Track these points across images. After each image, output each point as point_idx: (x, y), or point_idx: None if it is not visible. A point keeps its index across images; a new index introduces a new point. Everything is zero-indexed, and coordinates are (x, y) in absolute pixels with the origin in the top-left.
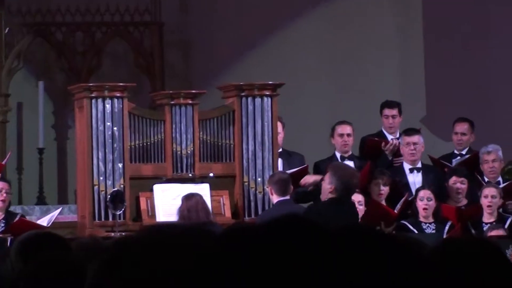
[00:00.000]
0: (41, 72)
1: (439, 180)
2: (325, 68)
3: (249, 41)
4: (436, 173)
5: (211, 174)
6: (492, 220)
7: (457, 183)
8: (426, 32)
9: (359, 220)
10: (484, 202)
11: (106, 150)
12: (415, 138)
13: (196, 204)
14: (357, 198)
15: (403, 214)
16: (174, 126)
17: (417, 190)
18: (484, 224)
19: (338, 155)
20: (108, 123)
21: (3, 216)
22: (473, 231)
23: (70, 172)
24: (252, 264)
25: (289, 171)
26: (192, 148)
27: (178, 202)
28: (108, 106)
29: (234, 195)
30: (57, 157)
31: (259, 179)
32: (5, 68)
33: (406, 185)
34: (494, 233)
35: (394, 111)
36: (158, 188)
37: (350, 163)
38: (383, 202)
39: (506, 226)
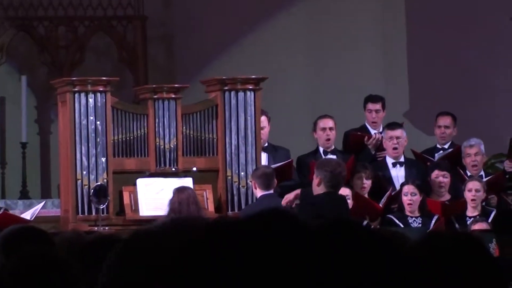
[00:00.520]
0: (23, 67)
1: (422, 175)
2: (308, 62)
3: (232, 35)
4: (418, 167)
5: (194, 168)
6: (476, 214)
7: (440, 177)
8: (409, 26)
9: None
10: (468, 196)
11: (89, 145)
12: (398, 132)
13: (188, 197)
14: (344, 192)
15: (387, 209)
16: (157, 120)
17: (402, 185)
18: (468, 218)
19: (321, 149)
20: (91, 118)
21: None
22: (457, 225)
23: (53, 167)
24: (234, 259)
25: (273, 166)
26: (175, 142)
27: (162, 196)
28: (91, 101)
29: (217, 189)
30: (40, 151)
31: (242, 173)
32: None
33: (389, 179)
34: (477, 226)
35: (378, 106)
36: (141, 182)
37: (333, 157)
38: (366, 196)
39: (489, 220)
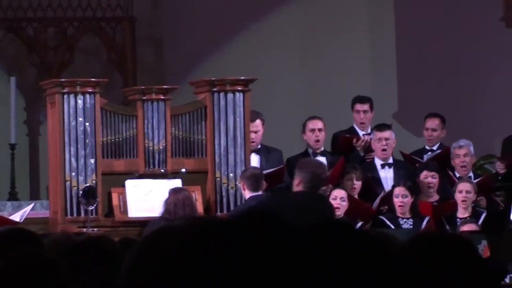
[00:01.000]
0: (12, 68)
1: (411, 176)
2: (297, 64)
3: (221, 37)
4: (407, 168)
5: (183, 170)
6: (466, 215)
7: (428, 177)
8: (398, 27)
9: (334, 214)
10: (459, 197)
11: (78, 146)
12: (387, 133)
13: (184, 199)
14: (340, 194)
15: (378, 210)
16: (146, 121)
17: (393, 187)
18: (458, 219)
19: (310, 151)
20: (80, 119)
21: None
22: (447, 227)
23: (42, 168)
24: (219, 260)
25: (265, 172)
26: (164, 144)
27: (151, 198)
28: (80, 102)
29: (206, 190)
30: (29, 152)
31: (231, 174)
32: None
33: (378, 180)
34: (466, 228)
35: (366, 107)
36: (130, 184)
37: (323, 159)
38: (356, 197)
39: (480, 221)
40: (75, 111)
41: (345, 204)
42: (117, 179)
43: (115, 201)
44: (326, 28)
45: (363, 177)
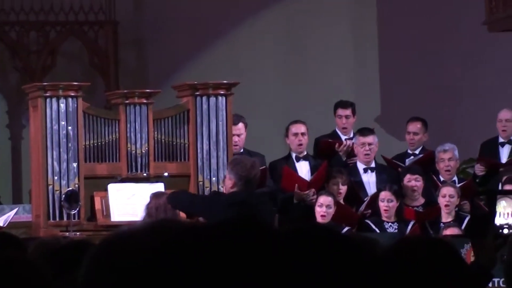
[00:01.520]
0: None
1: (393, 180)
2: (279, 67)
3: (204, 40)
4: (390, 172)
5: (166, 174)
6: (450, 219)
7: (412, 180)
8: (381, 32)
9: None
10: (442, 201)
11: (61, 150)
12: (370, 138)
13: (165, 203)
14: (326, 201)
15: (362, 214)
16: (128, 125)
17: (379, 191)
18: (442, 223)
19: (293, 154)
20: (63, 123)
21: None
22: (430, 231)
23: (25, 172)
24: (205, 264)
25: None
26: (146, 148)
27: (133, 202)
28: (62, 106)
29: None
30: (12, 156)
31: (214, 178)
32: None
33: (361, 184)
34: (449, 231)
35: (348, 111)
36: (112, 188)
37: (306, 163)
38: (341, 201)
39: (463, 225)
40: (58, 115)
41: (331, 211)
42: (99, 183)
43: (97, 205)
44: (309, 32)
45: (348, 181)
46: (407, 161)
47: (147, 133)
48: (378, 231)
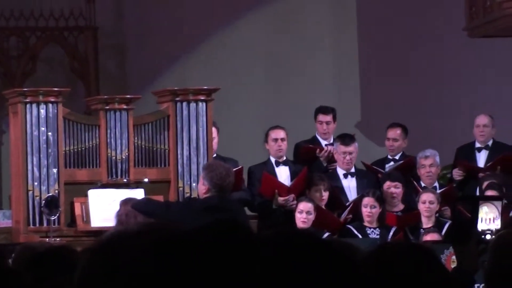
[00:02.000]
0: None
1: (373, 185)
2: (260, 73)
3: (184, 46)
4: (369, 177)
5: (146, 179)
6: (430, 225)
7: (391, 187)
8: (361, 38)
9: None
10: (422, 207)
11: (41, 155)
12: (351, 147)
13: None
14: (306, 207)
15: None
16: (109, 131)
17: (362, 196)
18: (422, 229)
19: (272, 160)
20: (43, 128)
21: None
22: (411, 237)
23: (5, 177)
24: (179, 270)
25: None
26: (127, 153)
27: (113, 207)
28: (42, 111)
29: (169, 200)
30: None
31: (194, 184)
32: None
33: (341, 190)
34: (429, 237)
35: (329, 117)
36: (93, 193)
37: (285, 168)
38: (324, 207)
39: (443, 231)
40: (38, 120)
41: (311, 217)
42: (79, 189)
43: (77, 210)
44: (290, 37)
45: (329, 187)
46: (387, 167)
47: (127, 139)
48: (360, 236)
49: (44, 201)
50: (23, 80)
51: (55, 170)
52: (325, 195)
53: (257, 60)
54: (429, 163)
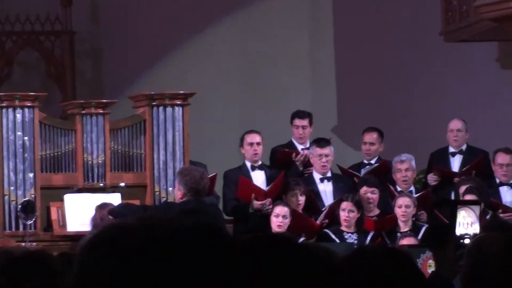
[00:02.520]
0: None
1: (349, 189)
2: (237, 77)
3: (161, 51)
4: (345, 182)
5: (122, 184)
6: (407, 229)
7: (368, 193)
8: (337, 42)
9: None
10: (398, 212)
11: (17, 160)
12: (327, 150)
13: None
14: (282, 211)
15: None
16: (85, 135)
17: (341, 200)
18: (399, 233)
19: (248, 164)
20: (19, 133)
21: None
22: (387, 241)
23: None
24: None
25: None
26: (103, 158)
27: (89, 212)
28: (19, 116)
29: (145, 204)
30: None
31: (170, 188)
32: None
33: (317, 194)
34: (405, 241)
35: (305, 122)
36: (69, 198)
37: (261, 173)
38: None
39: (420, 235)
40: (14, 125)
41: (287, 221)
42: (56, 193)
43: (54, 215)
44: (266, 42)
45: (306, 192)
46: (363, 171)
47: (103, 143)
48: (337, 241)
49: (20, 206)
50: None
51: (31, 175)
52: (302, 199)
53: (233, 65)
54: (405, 167)
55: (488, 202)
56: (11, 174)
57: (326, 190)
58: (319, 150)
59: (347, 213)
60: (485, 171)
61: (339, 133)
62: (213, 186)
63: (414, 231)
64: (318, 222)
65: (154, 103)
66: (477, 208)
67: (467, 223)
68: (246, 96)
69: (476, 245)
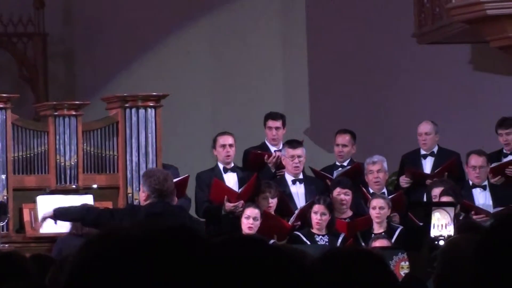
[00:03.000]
0: None
1: (322, 191)
2: (210, 79)
3: (133, 53)
4: (318, 184)
5: (95, 185)
6: (381, 230)
7: (341, 194)
8: (310, 44)
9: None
10: (372, 213)
11: None
12: (299, 151)
13: None
14: (253, 213)
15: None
16: (57, 137)
17: (312, 203)
18: (373, 235)
19: (220, 166)
20: None
21: None
22: (362, 243)
23: None
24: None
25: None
26: (75, 160)
27: None
28: None
29: (118, 206)
30: None
31: None
32: None
33: (289, 196)
34: (378, 243)
35: (278, 123)
36: (41, 200)
37: (233, 175)
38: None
39: (395, 236)
40: None
41: (257, 223)
42: (28, 195)
43: (26, 217)
44: (239, 44)
45: (278, 194)
46: (335, 173)
47: (76, 145)
48: (309, 243)
49: None
50: None
51: (3, 176)
52: (273, 202)
53: (206, 67)
54: (376, 168)
55: (462, 204)
56: None
57: (298, 192)
58: (291, 151)
59: (319, 216)
60: (457, 173)
61: (311, 135)
62: (185, 188)
63: (388, 232)
64: (289, 223)
65: (127, 105)
66: (452, 210)
67: (441, 225)
68: (218, 98)
69: (449, 247)
